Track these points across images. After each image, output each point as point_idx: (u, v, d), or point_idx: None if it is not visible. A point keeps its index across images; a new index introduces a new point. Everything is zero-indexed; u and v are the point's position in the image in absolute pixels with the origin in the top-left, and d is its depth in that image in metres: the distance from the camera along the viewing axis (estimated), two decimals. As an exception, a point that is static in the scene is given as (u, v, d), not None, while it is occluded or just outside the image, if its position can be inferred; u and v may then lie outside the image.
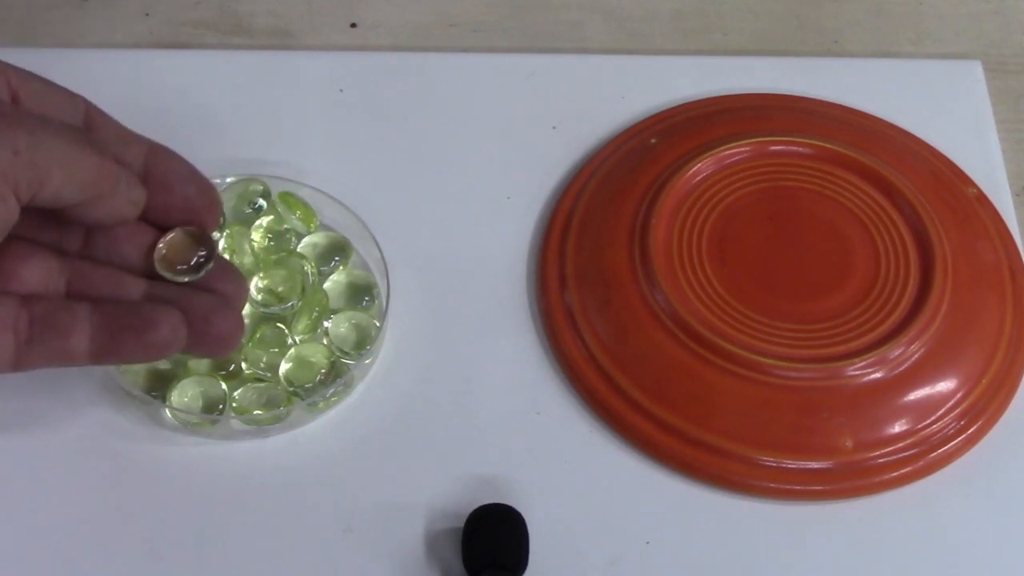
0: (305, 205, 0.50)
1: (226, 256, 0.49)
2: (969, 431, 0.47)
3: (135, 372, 0.47)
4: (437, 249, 0.52)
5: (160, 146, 0.41)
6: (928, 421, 0.47)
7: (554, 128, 0.56)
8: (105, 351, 0.39)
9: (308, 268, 0.49)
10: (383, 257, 0.49)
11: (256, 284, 0.48)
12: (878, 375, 0.46)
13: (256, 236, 0.50)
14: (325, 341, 0.48)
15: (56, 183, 0.36)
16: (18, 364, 0.38)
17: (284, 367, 0.47)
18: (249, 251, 0.49)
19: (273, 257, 0.49)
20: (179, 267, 0.41)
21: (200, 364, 0.47)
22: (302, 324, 0.48)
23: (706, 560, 0.44)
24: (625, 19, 0.61)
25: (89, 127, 0.41)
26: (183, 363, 0.47)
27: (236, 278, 0.42)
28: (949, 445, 0.47)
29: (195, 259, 0.41)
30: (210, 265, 0.41)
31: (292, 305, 0.48)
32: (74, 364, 0.39)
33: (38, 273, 0.39)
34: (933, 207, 0.51)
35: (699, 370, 0.46)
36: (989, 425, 0.48)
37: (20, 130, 0.35)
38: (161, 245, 0.41)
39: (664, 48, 0.60)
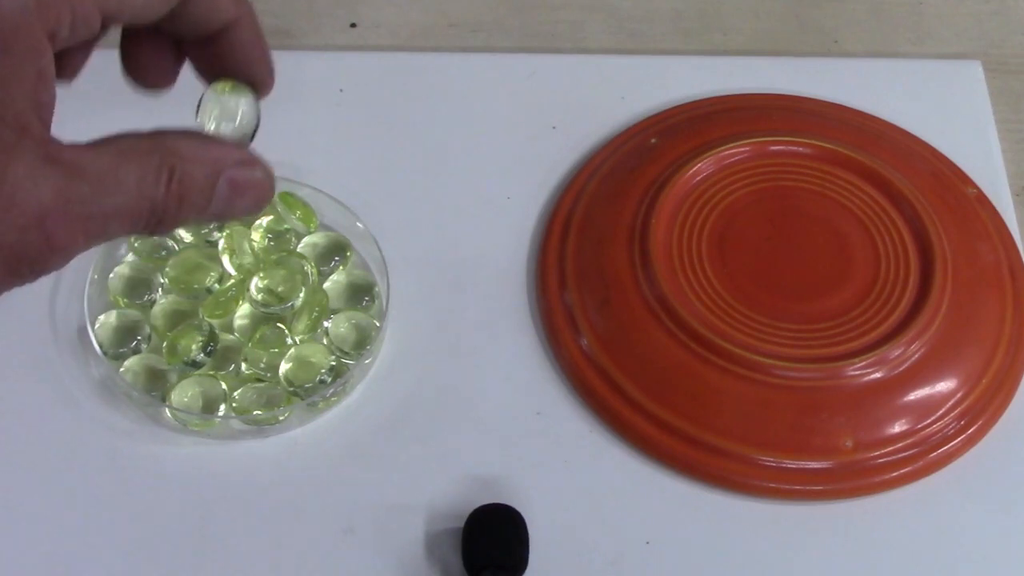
0: (305, 205, 0.50)
1: (225, 257, 0.49)
2: (969, 431, 0.47)
3: (135, 372, 0.47)
4: (437, 249, 0.52)
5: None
6: (928, 421, 0.47)
7: (554, 128, 0.56)
8: None
9: (308, 268, 0.49)
10: (383, 257, 0.49)
11: (256, 284, 0.48)
12: (878, 375, 0.46)
13: (256, 236, 0.50)
14: (325, 341, 0.48)
15: None
16: None
17: (284, 367, 0.47)
18: (249, 251, 0.49)
19: (273, 257, 0.49)
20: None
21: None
22: (302, 324, 0.48)
23: (706, 560, 0.44)
24: (625, 19, 0.61)
25: None
26: (183, 363, 0.47)
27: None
28: (949, 445, 0.47)
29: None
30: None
31: (292, 305, 0.48)
32: None
33: None
34: (933, 207, 0.51)
35: (699, 370, 0.46)
36: (989, 425, 0.48)
37: None
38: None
39: (664, 48, 0.60)
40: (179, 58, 0.37)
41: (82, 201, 0.30)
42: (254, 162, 0.35)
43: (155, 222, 0.32)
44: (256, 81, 0.38)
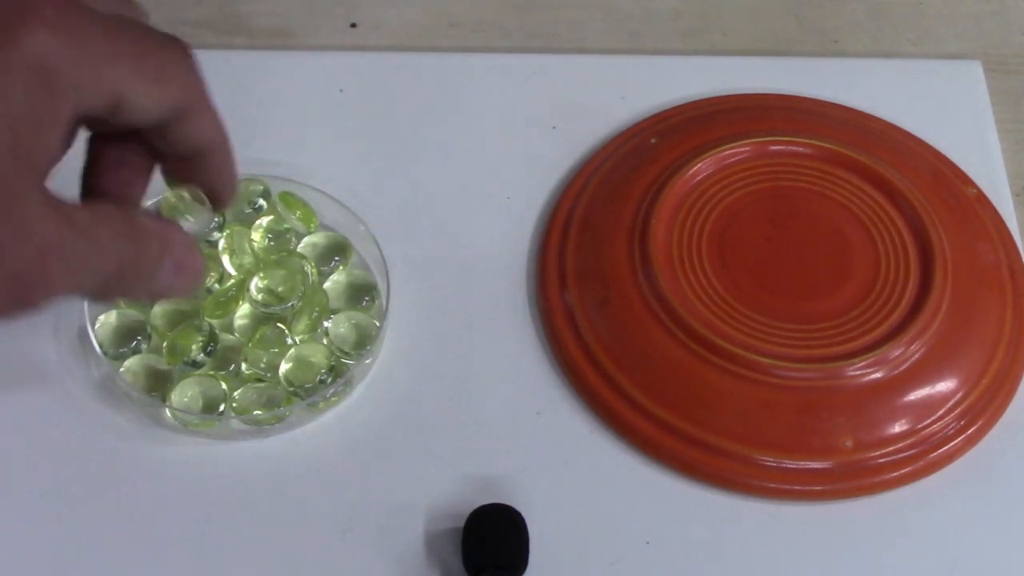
0: (305, 205, 0.50)
1: (225, 257, 0.49)
2: (969, 431, 0.47)
3: (135, 372, 0.47)
4: (437, 249, 0.52)
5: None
6: (928, 421, 0.47)
7: (554, 128, 0.56)
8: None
9: (308, 268, 0.49)
10: (383, 257, 0.49)
11: (256, 284, 0.48)
12: (878, 375, 0.46)
13: (256, 236, 0.50)
14: (325, 341, 0.48)
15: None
16: None
17: (284, 367, 0.47)
18: (249, 251, 0.49)
19: (273, 257, 0.49)
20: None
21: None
22: (302, 324, 0.48)
23: (706, 560, 0.44)
24: (625, 19, 0.61)
25: None
26: (183, 363, 0.47)
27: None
28: (949, 445, 0.47)
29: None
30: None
31: (292, 305, 0.48)
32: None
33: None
34: (933, 207, 0.51)
35: (699, 370, 0.46)
36: (989, 425, 0.48)
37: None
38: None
39: (664, 48, 0.60)
40: (150, 170, 0.40)
41: (73, 246, 0.33)
42: (197, 250, 0.38)
43: (113, 284, 0.36)
44: (218, 199, 0.41)
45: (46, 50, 0.32)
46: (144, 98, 0.35)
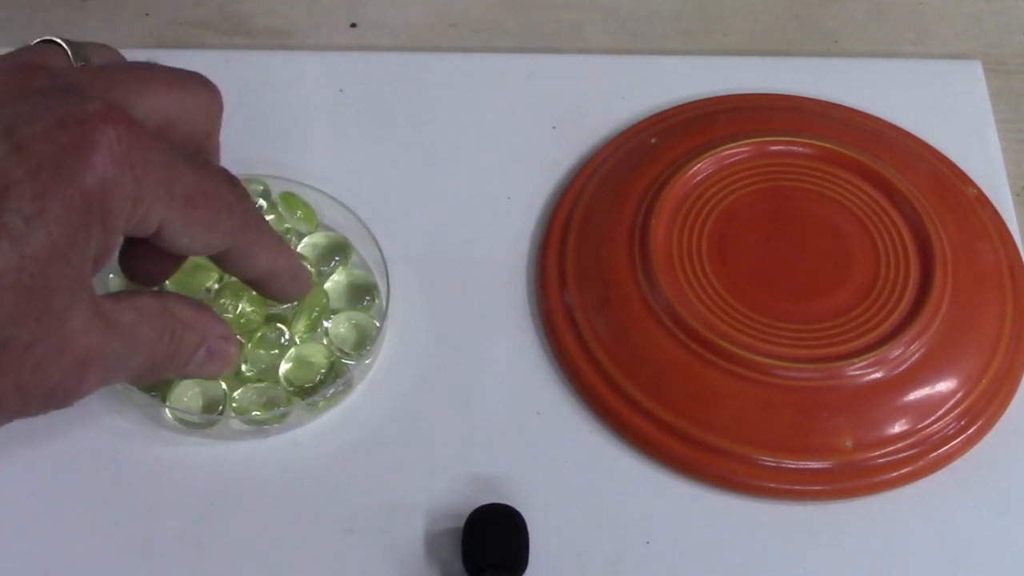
0: (306, 205, 0.50)
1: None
2: (969, 431, 0.47)
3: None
4: (437, 249, 0.52)
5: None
6: (928, 421, 0.47)
7: (554, 128, 0.56)
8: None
9: (308, 268, 0.49)
10: (383, 257, 0.49)
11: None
12: (878, 375, 0.46)
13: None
14: (325, 341, 0.48)
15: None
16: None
17: (284, 367, 0.47)
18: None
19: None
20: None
21: None
22: (302, 324, 0.48)
23: (706, 560, 0.44)
24: (625, 19, 0.61)
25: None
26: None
27: None
28: (949, 445, 0.47)
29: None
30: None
31: (292, 304, 0.48)
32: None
33: None
34: (933, 207, 0.51)
35: (699, 370, 0.46)
36: (989, 425, 0.48)
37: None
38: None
39: (664, 48, 0.60)
40: (175, 267, 0.42)
41: (112, 351, 0.35)
42: (231, 338, 0.41)
43: (146, 375, 0.38)
44: (289, 299, 0.45)
45: (104, 182, 0.33)
46: (188, 238, 0.37)
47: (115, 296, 0.37)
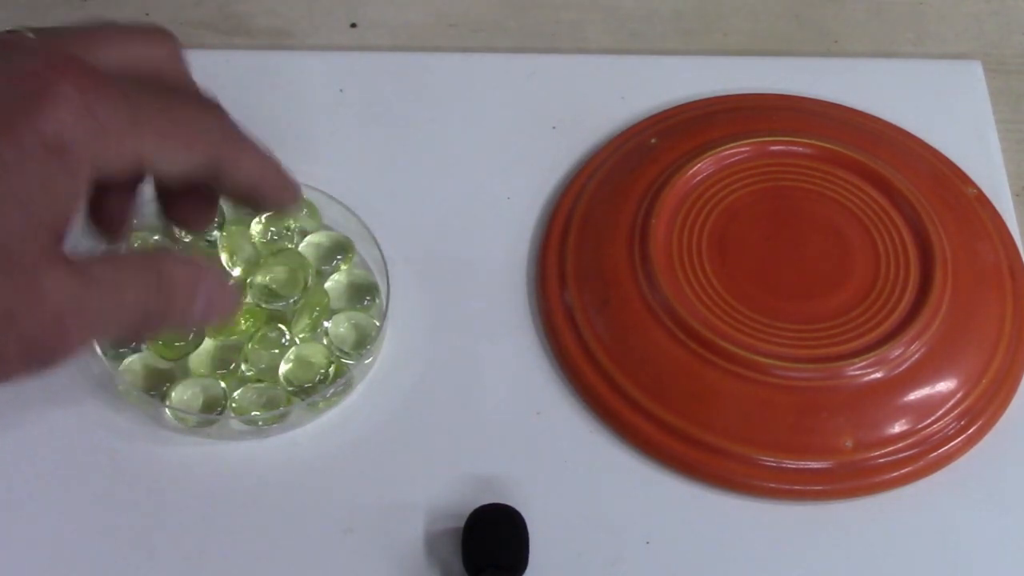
0: (311, 203, 0.51)
1: (224, 256, 0.49)
2: (969, 431, 0.47)
3: (135, 372, 0.47)
4: (437, 249, 0.52)
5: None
6: (928, 421, 0.47)
7: (554, 128, 0.56)
8: None
9: (308, 265, 0.49)
10: (383, 257, 0.49)
11: (256, 281, 0.48)
12: (878, 375, 0.46)
13: (256, 231, 0.50)
14: (325, 341, 0.48)
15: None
16: None
17: (284, 367, 0.47)
18: (248, 249, 0.49)
19: (274, 252, 0.49)
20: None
21: (200, 364, 0.47)
22: (302, 324, 0.48)
23: (706, 560, 0.44)
24: (625, 19, 0.61)
25: None
26: (184, 363, 0.47)
27: None
28: (949, 445, 0.47)
29: None
30: None
31: (295, 301, 0.48)
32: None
33: None
34: (933, 207, 0.51)
35: (699, 370, 0.46)
36: (989, 425, 0.48)
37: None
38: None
39: (664, 48, 0.60)
40: (213, 203, 0.43)
41: (92, 305, 0.35)
42: (228, 284, 0.40)
43: (140, 329, 0.37)
44: (283, 211, 0.45)
45: (61, 128, 0.33)
46: (169, 162, 0.37)
47: (94, 255, 0.37)
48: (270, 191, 0.41)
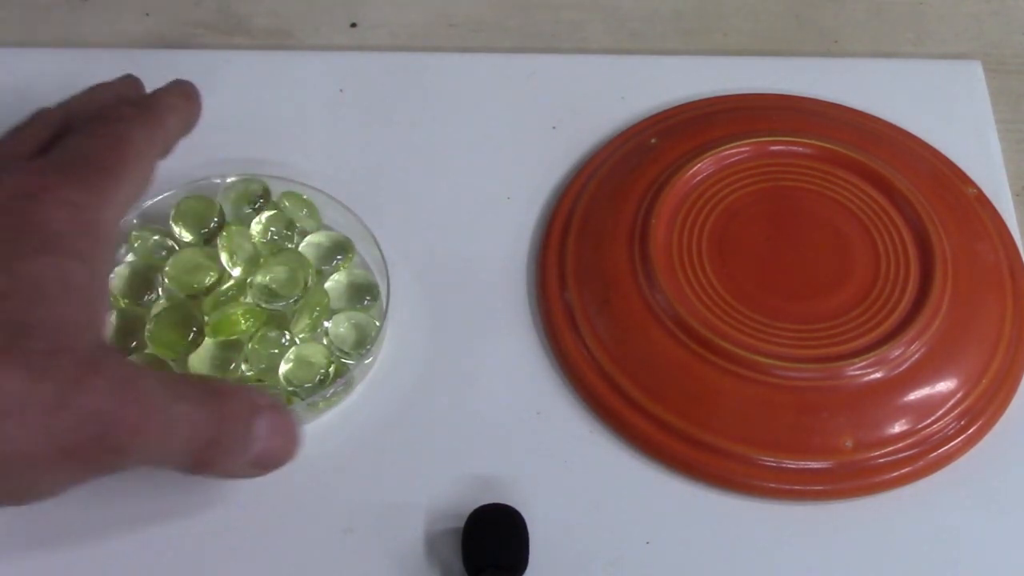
0: (310, 203, 0.51)
1: (224, 256, 0.49)
2: (969, 431, 0.47)
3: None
4: (437, 249, 0.52)
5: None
6: (928, 421, 0.47)
7: (554, 128, 0.56)
8: None
9: (308, 265, 0.49)
10: (383, 257, 0.49)
11: (255, 280, 0.48)
12: (878, 375, 0.46)
13: (256, 230, 0.50)
14: (325, 341, 0.48)
15: None
16: None
17: (284, 367, 0.47)
18: (248, 249, 0.49)
19: (274, 252, 0.49)
20: None
21: (200, 364, 0.47)
22: (302, 324, 0.48)
23: (706, 560, 0.44)
24: (625, 19, 0.61)
25: None
26: (184, 362, 0.47)
27: None
28: (949, 445, 0.47)
29: None
30: None
31: (295, 301, 0.48)
32: None
33: None
34: (933, 207, 0.51)
35: (699, 370, 0.46)
36: (989, 425, 0.48)
37: None
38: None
39: (664, 48, 0.60)
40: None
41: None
42: (283, 408, 0.40)
43: (203, 463, 0.38)
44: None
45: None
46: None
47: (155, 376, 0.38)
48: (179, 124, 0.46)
